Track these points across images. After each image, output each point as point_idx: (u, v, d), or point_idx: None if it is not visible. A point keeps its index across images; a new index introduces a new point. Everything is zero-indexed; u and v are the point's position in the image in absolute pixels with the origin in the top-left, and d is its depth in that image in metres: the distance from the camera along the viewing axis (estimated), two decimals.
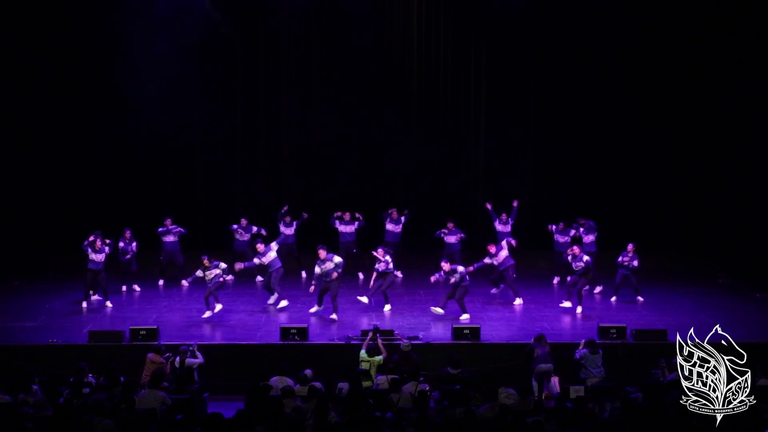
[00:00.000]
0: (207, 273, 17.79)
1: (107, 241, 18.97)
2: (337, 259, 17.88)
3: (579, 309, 18.29)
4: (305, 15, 23.71)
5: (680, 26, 23.11)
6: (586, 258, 18.32)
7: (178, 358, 15.03)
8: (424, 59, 23.86)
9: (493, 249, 18.92)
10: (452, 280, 17.78)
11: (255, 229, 20.77)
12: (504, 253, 18.86)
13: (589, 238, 20.04)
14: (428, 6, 23.62)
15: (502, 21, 23.61)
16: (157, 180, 23.80)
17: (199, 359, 15.20)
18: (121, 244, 19.60)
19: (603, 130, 23.89)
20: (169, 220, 20.54)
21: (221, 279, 17.85)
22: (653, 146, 23.93)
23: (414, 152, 24.17)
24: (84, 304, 18.66)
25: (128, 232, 19.87)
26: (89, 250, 18.41)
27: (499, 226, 20.90)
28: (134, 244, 19.74)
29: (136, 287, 20.03)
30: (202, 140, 23.94)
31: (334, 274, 17.73)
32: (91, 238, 18.52)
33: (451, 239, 20.86)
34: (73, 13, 22.53)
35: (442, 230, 20.88)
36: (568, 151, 23.97)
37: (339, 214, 21.18)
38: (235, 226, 20.96)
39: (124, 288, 19.94)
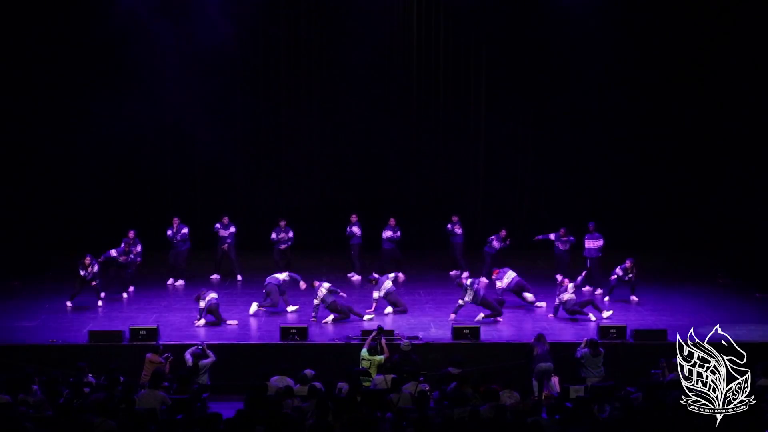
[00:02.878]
0: (203, 302, 17.50)
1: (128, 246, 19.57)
2: (324, 287, 17.71)
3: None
4: (306, 16, 23.70)
5: (677, 25, 23.12)
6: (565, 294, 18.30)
7: (190, 358, 15.03)
8: (424, 60, 23.85)
9: (495, 274, 19.01)
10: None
11: (233, 228, 20.83)
12: (509, 276, 18.73)
13: (598, 243, 19.97)
14: (428, 7, 23.61)
15: (501, 21, 23.60)
16: (158, 181, 23.79)
17: (211, 357, 15.19)
18: (122, 246, 19.62)
19: (603, 130, 23.87)
20: (176, 219, 20.54)
21: (214, 300, 17.56)
22: (653, 146, 23.89)
23: (414, 153, 24.19)
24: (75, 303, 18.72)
25: (132, 232, 19.86)
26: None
27: (496, 243, 20.88)
28: (140, 246, 19.76)
29: (131, 288, 19.97)
30: (203, 143, 23.86)
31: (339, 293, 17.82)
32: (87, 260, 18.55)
33: (457, 231, 21.08)
34: (73, 13, 22.52)
35: (449, 225, 21.18)
36: (568, 152, 23.96)
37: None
38: (217, 225, 20.99)
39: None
